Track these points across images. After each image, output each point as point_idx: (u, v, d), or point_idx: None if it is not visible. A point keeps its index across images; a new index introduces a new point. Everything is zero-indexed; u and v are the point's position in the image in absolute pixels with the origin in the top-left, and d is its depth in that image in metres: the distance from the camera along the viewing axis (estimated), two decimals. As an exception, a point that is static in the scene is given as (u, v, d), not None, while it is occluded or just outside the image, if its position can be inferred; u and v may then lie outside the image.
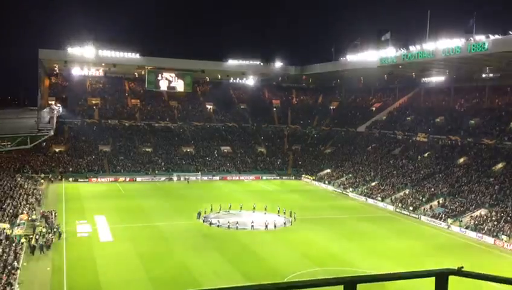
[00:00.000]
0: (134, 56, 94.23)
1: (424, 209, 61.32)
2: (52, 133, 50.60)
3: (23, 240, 41.03)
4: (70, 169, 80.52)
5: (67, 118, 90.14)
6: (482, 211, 56.01)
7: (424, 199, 63.83)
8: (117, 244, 43.70)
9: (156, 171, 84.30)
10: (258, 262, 40.06)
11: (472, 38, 60.63)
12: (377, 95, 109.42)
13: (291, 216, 55.72)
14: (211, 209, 57.82)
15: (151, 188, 74.79)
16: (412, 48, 70.83)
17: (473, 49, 60.44)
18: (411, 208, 62.42)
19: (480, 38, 59.66)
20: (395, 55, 74.73)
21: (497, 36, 58.34)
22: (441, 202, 61.99)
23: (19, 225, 45.56)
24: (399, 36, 79.94)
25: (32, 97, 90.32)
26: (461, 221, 55.16)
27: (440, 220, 56.91)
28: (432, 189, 65.95)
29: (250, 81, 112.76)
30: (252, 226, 50.77)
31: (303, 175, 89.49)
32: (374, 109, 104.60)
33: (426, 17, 70.01)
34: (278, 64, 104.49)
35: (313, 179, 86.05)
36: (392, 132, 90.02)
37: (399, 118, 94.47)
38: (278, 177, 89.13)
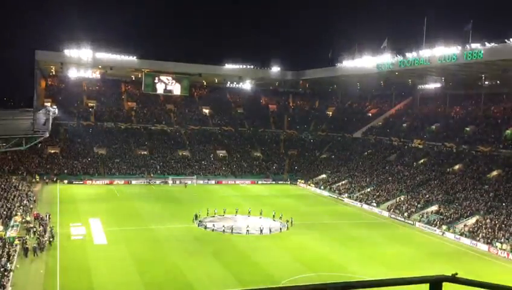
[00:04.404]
0: (131, 59, 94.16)
1: (419, 215, 61.40)
2: (47, 134, 50.49)
3: (16, 242, 40.81)
4: (65, 171, 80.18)
5: (63, 119, 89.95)
6: (477, 218, 56.12)
7: (419, 206, 63.92)
8: (111, 247, 43.51)
9: (152, 175, 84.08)
10: (252, 267, 39.98)
11: (468, 46, 60.95)
12: (374, 101, 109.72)
13: (287, 221, 55.50)
14: (207, 213, 57.72)
15: (146, 192, 74.58)
16: (408, 55, 71.16)
17: (469, 57, 60.76)
18: (406, 214, 62.50)
19: (476, 46, 59.98)
20: (392, 61, 75.03)
21: (493, 44, 58.67)
22: (435, 208, 62.11)
23: (12, 226, 45.36)
24: (396, 43, 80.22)
25: (28, 98, 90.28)
26: (456, 228, 55.26)
27: (435, 226, 56.99)
28: (427, 195, 66.06)
29: (247, 85, 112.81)
30: (247, 230, 50.68)
31: (299, 180, 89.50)
32: (370, 114, 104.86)
33: (423, 24, 70.39)
34: (275, 69, 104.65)
35: (309, 184, 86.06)
36: (388, 138, 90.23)
37: (395, 124, 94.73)
38: (274, 182, 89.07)
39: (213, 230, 51.21)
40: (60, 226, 49.16)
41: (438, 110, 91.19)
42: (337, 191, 78.62)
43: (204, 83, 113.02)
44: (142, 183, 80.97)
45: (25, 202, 56.34)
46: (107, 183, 78.80)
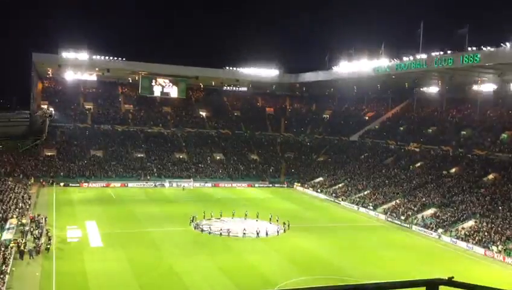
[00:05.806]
0: (128, 61, 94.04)
1: (416, 218, 61.45)
2: (44, 137, 50.35)
3: (12, 244, 40.60)
4: (62, 173, 79.94)
5: (60, 122, 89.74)
6: (473, 222, 56.22)
7: (415, 209, 63.99)
8: (107, 250, 43.40)
9: (148, 177, 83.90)
10: (249, 270, 39.92)
11: (465, 50, 61.16)
12: (370, 104, 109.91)
13: (284, 224, 55.40)
14: (204, 216, 57.61)
15: (142, 194, 74.43)
16: (405, 58, 71.34)
17: (466, 61, 60.93)
18: (402, 218, 62.54)
19: (472, 49, 60.18)
20: (389, 65, 75.22)
21: (489, 48, 58.87)
22: (432, 211, 62.18)
23: (8, 229, 45.15)
24: (393, 46, 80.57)
25: (24, 101, 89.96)
26: (452, 231, 55.33)
27: (431, 230, 57.05)
28: (424, 199, 66.14)
29: (244, 88, 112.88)
30: (244, 233, 50.62)
31: (295, 183, 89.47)
32: (367, 118, 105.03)
33: (420, 27, 70.54)
34: (272, 72, 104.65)
35: (306, 187, 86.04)
36: (385, 142, 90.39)
37: (392, 128, 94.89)
38: (271, 185, 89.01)
39: (210, 233, 51.14)
40: (56, 229, 49.02)
41: (434, 114, 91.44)
42: (333, 194, 78.60)
43: (201, 86, 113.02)
44: (138, 186, 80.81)
45: (20, 204, 56.09)
46: (103, 186, 78.54)
